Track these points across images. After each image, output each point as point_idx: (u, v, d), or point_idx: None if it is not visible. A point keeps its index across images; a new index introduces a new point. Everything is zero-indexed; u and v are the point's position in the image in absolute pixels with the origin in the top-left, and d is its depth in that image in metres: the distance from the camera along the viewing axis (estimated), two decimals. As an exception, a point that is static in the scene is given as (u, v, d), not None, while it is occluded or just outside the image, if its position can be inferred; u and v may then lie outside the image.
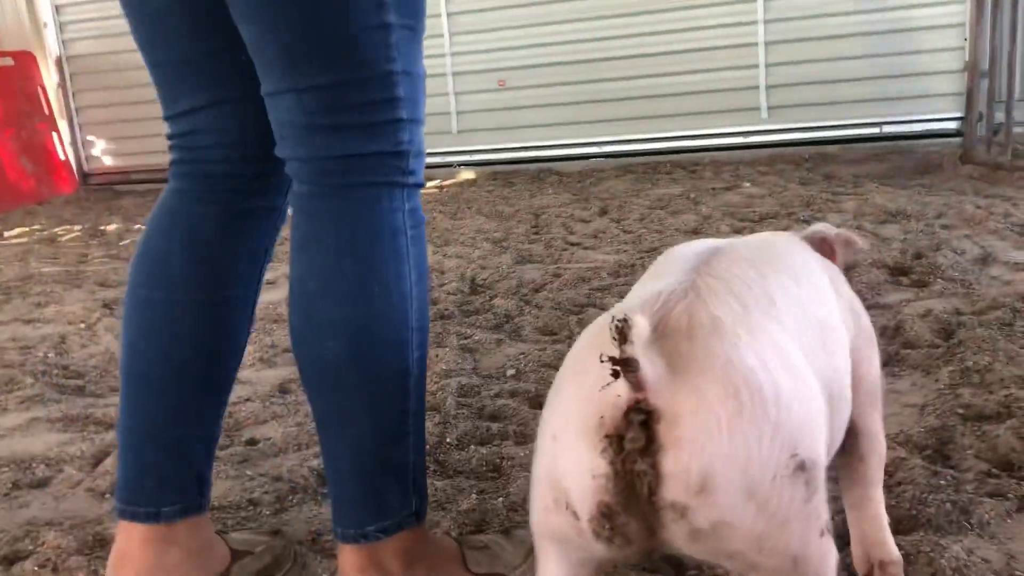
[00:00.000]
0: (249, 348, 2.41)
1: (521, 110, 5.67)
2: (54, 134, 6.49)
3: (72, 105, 6.71)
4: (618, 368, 0.73)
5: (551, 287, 2.81)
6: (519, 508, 1.44)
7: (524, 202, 4.47)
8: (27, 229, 5.10)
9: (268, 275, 1.36)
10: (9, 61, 6.31)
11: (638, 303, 0.86)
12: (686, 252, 0.99)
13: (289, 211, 1.22)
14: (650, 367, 0.74)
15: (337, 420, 1.12)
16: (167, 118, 1.23)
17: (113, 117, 6.68)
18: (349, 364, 1.09)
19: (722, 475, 0.75)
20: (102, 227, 4.92)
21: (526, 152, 5.70)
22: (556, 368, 2.09)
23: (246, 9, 1.06)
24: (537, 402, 1.94)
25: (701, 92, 5.29)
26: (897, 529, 1.29)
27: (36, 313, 3.06)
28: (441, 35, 5.64)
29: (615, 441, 0.76)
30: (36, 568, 1.36)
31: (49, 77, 6.62)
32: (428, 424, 1.80)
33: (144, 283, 1.19)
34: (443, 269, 3.15)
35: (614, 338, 0.72)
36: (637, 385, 0.74)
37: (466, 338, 2.37)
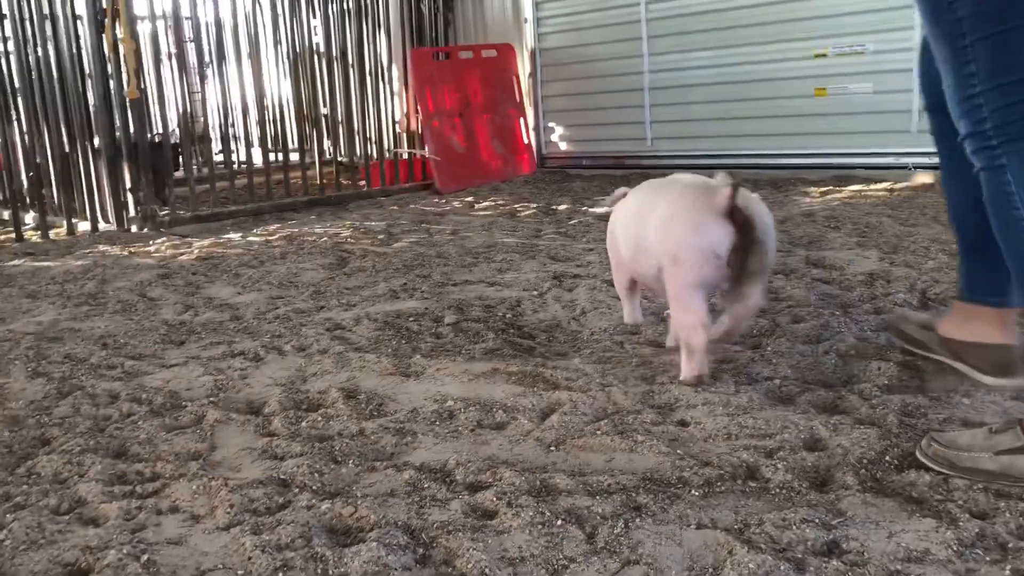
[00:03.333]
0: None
1: (997, 110, 5.05)
2: (521, 120, 7.23)
3: (539, 93, 7.39)
4: (736, 184, 1.86)
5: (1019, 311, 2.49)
6: (972, 544, 1.31)
7: (991, 213, 4.00)
8: (493, 203, 5.76)
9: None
10: (493, 53, 7.14)
11: (705, 181, 2.04)
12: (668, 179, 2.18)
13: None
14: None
15: None
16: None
17: (570, 106, 7.25)
18: None
19: (770, 226, 1.96)
20: (554, 207, 5.38)
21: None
22: (1022, 400, 1.85)
23: None
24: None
25: None
26: None
27: (498, 277, 3.45)
28: (911, 27, 5.22)
29: (733, 219, 1.89)
30: (494, 499, 1.54)
31: (523, 67, 7.37)
32: (869, 436, 1.71)
33: None
34: (890, 278, 2.95)
35: (732, 179, 1.87)
36: (735, 195, 1.87)
37: (911, 355, 2.20)
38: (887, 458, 1.64)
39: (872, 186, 5.11)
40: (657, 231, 2.02)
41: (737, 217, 1.88)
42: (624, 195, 2.34)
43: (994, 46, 1.43)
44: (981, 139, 1.48)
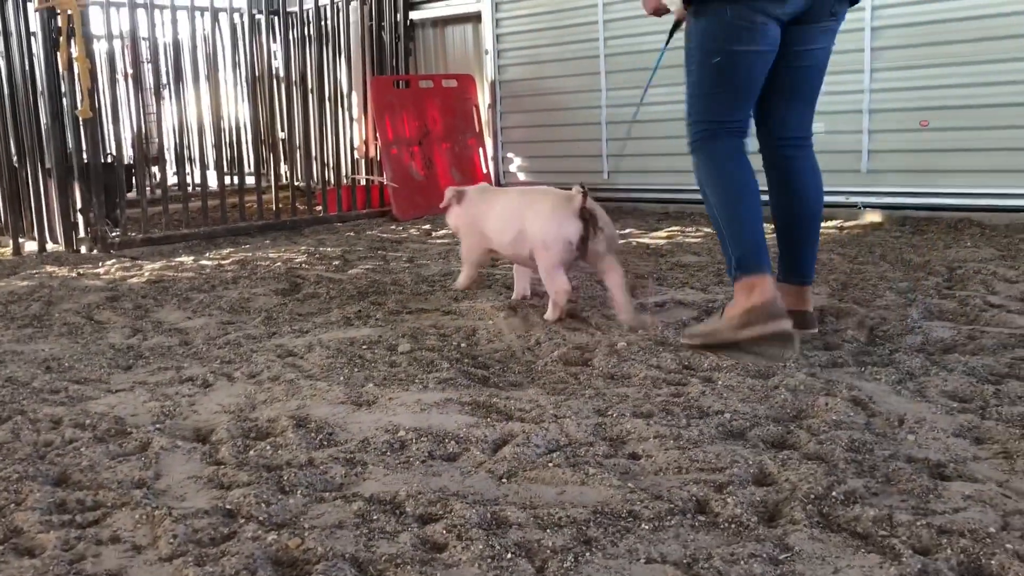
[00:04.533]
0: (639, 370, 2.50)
1: (943, 153, 5.21)
2: (480, 150, 7.26)
3: (498, 124, 7.44)
4: (585, 192, 2.92)
5: (964, 349, 2.55)
6: (913, 583, 1.33)
7: (937, 253, 4.11)
8: (450, 231, 5.75)
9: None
10: (453, 83, 7.18)
11: (565, 192, 3.08)
12: (513, 190, 3.72)
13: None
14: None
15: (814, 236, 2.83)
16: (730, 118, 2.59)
17: (529, 137, 7.30)
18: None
19: (608, 221, 3.00)
20: (511, 236, 5.39)
21: (944, 199, 5.22)
22: (964, 438, 1.89)
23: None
24: (938, 472, 1.77)
25: None
26: None
27: (453, 306, 3.44)
28: (861, 71, 5.37)
29: (582, 218, 2.94)
30: (444, 531, 1.53)
31: (483, 98, 7.41)
32: (817, 471, 1.73)
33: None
34: (839, 314, 3.00)
35: (582, 186, 2.94)
36: (585, 200, 2.92)
37: (858, 390, 2.24)
38: (834, 493, 1.66)
39: (822, 224, 5.21)
40: (534, 224, 3.02)
41: (584, 215, 2.88)
42: (457, 195, 3.56)
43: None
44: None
